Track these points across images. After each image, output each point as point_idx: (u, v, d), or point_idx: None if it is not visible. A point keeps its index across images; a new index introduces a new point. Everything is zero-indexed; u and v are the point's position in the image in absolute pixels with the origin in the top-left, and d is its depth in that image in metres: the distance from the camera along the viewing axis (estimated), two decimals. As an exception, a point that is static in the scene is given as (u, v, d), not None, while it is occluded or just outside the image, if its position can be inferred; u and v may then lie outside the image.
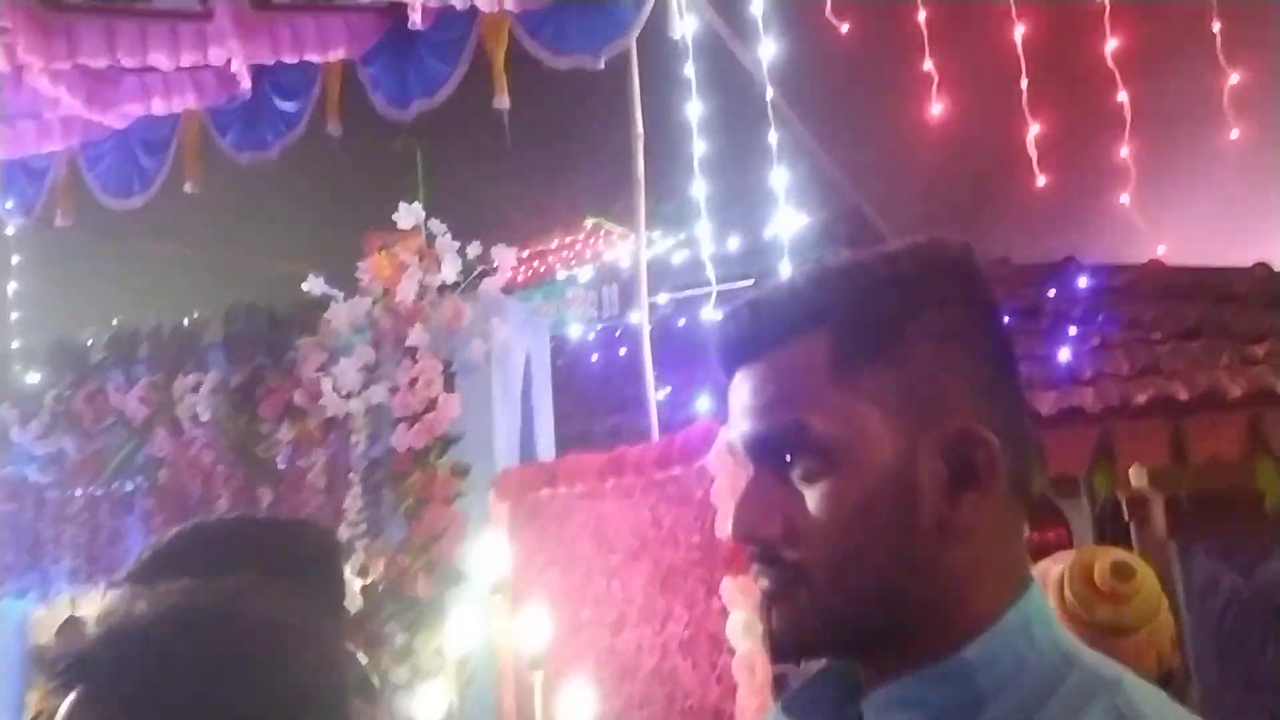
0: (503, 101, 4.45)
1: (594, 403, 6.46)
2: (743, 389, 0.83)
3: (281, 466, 4.66)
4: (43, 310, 5.96)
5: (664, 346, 8.46)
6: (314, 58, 4.56)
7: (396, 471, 4.27)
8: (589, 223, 13.47)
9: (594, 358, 8.06)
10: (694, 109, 4.15)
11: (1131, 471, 4.51)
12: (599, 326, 9.69)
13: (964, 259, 0.84)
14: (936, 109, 3.74)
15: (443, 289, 4.43)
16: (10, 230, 5.85)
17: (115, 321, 5.15)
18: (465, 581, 4.00)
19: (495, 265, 4.50)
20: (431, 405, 4.31)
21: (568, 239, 13.24)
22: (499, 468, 4.29)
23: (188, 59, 4.27)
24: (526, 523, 4.08)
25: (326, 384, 4.47)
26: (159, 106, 4.90)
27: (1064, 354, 4.87)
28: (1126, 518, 4.91)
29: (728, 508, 3.26)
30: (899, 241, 0.89)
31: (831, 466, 0.78)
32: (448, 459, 4.28)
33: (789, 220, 4.05)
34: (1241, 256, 4.73)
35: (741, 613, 3.15)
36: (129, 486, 5.04)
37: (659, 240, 12.08)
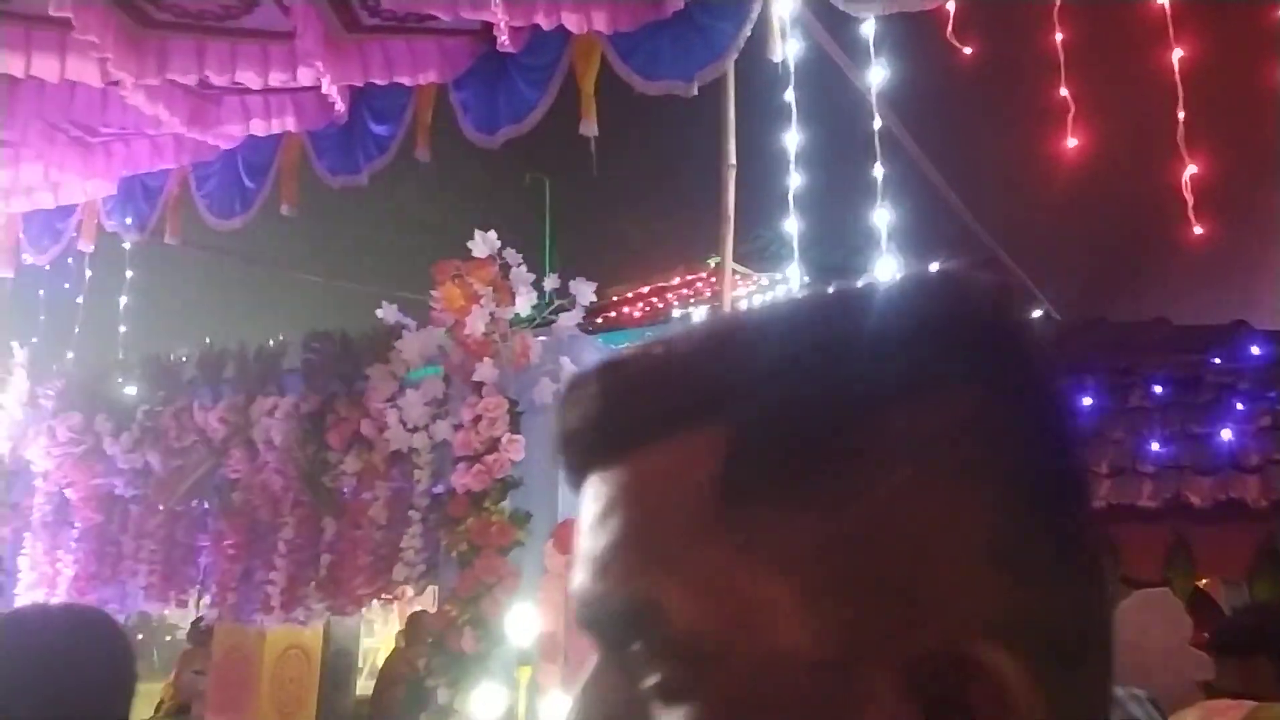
0: (590, 129, 4.21)
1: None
2: (583, 512, 0.50)
3: (346, 497, 4.51)
4: (150, 325, 6.10)
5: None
6: (405, 80, 4.45)
7: (451, 515, 4.02)
8: (712, 261, 13.17)
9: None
10: (792, 138, 3.77)
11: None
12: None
13: (997, 310, 0.46)
14: (1072, 142, 3.23)
15: (516, 322, 4.21)
16: (127, 245, 6.03)
17: (207, 340, 5.17)
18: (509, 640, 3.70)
19: (573, 299, 4.24)
20: (494, 446, 4.05)
21: (689, 276, 12.98)
22: (561, 518, 3.99)
23: (277, 78, 4.23)
24: (583, 581, 3.73)
25: (393, 416, 4.29)
26: (258, 127, 4.91)
27: (1226, 434, 4.16)
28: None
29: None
30: (886, 277, 0.47)
31: (698, 683, 0.42)
32: (506, 505, 4.01)
33: (890, 265, 3.60)
34: None
35: None
36: (205, 506, 5.01)
37: (763, 279, 11.66)
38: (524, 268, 4.15)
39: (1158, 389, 4.84)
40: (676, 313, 11.00)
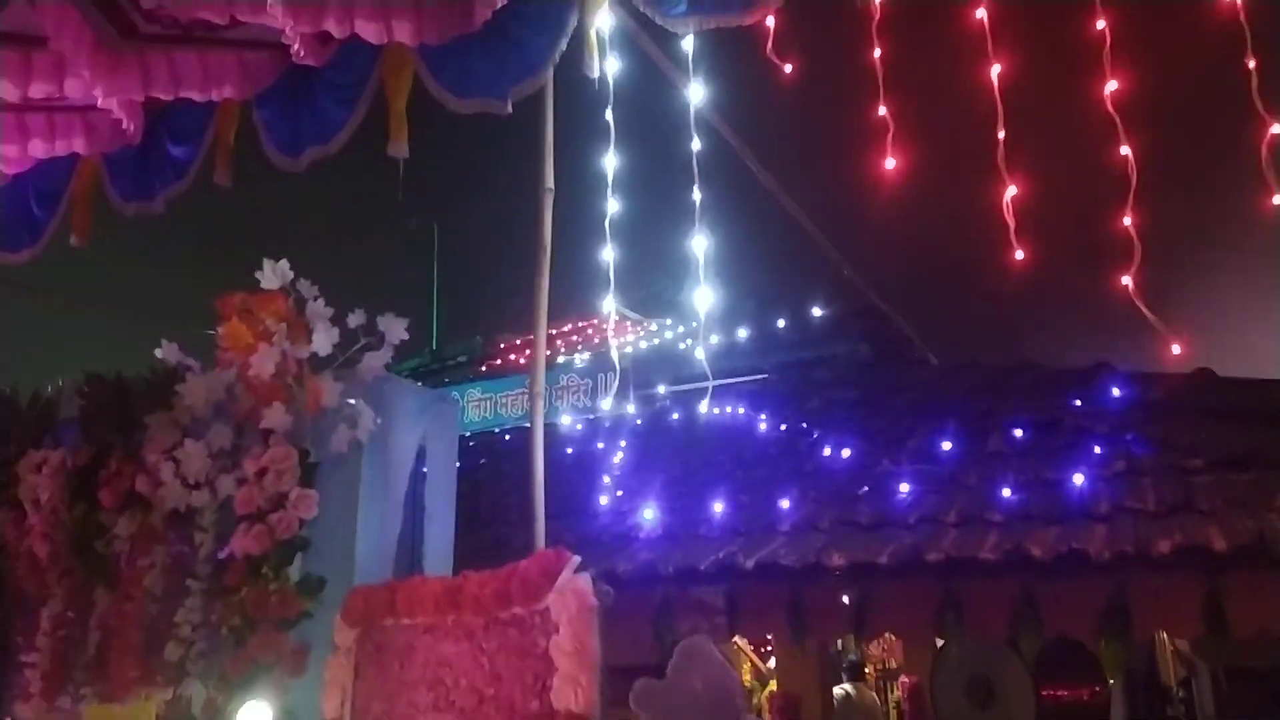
0: (400, 150, 3.82)
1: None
2: None
3: (121, 565, 3.94)
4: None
5: (651, 440, 7.67)
6: (195, 95, 4.00)
7: (228, 584, 3.50)
8: (604, 308, 12.86)
9: (568, 451, 7.27)
10: (610, 161, 3.45)
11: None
12: (590, 417, 8.94)
13: None
14: (891, 163, 3.00)
15: (314, 362, 3.75)
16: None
17: (-19, 387, 4.55)
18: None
19: (380, 337, 3.80)
20: (280, 502, 3.56)
21: (580, 324, 12.64)
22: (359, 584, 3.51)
23: (39, 90, 3.75)
24: (374, 658, 3.25)
25: (170, 470, 3.77)
26: (39, 149, 4.39)
27: (1078, 479, 3.93)
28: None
29: (571, 669, 2.41)
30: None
31: None
32: (292, 571, 3.51)
33: (706, 296, 3.29)
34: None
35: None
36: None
37: (667, 328, 11.40)
38: (321, 301, 3.71)
39: (1017, 433, 4.64)
40: (561, 359, 10.62)
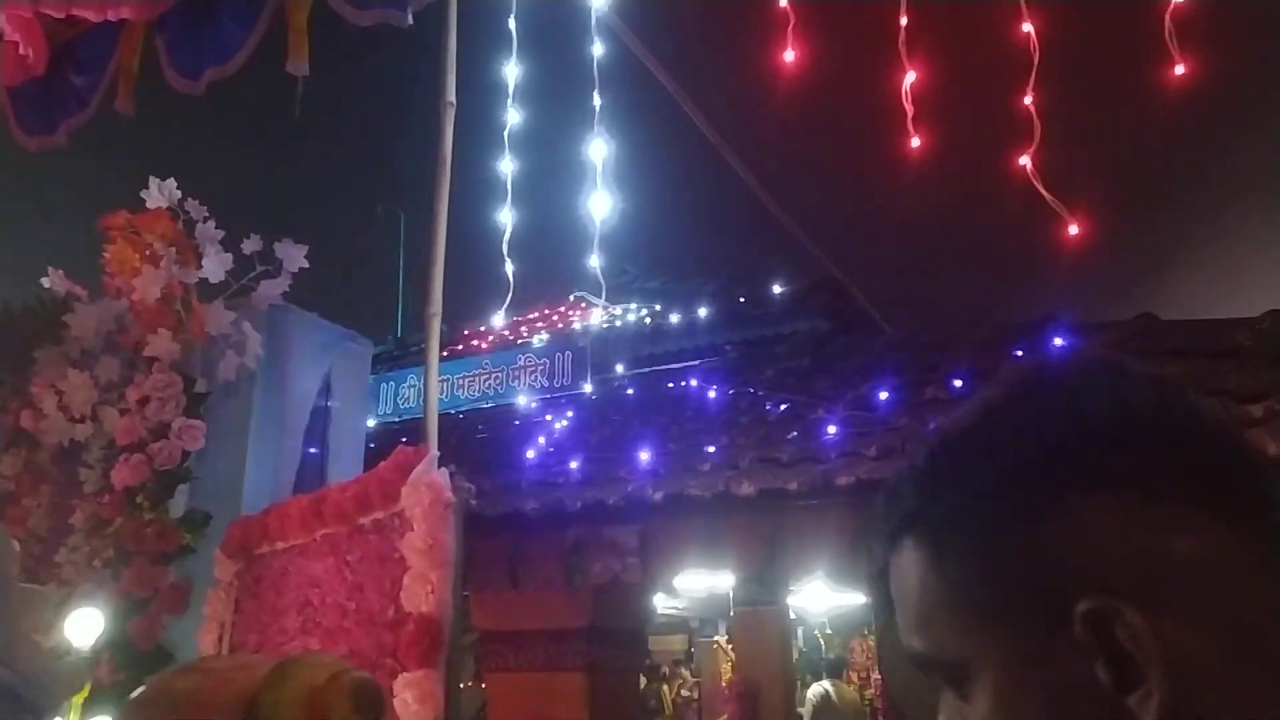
0: (300, 69, 3.63)
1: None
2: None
3: (6, 501, 3.73)
4: None
5: (603, 412, 7.48)
6: (90, 15, 3.82)
7: (102, 516, 3.30)
8: (573, 297, 12.70)
9: (515, 423, 7.06)
10: (511, 70, 3.28)
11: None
12: (546, 397, 8.75)
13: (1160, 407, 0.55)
14: (790, 55, 2.83)
15: (201, 290, 3.56)
16: None
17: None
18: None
19: (280, 265, 3.61)
20: (163, 432, 3.37)
21: (548, 311, 12.46)
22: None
23: (-81, 3, 3.55)
24: (253, 589, 3.06)
25: (51, 402, 3.58)
26: (-68, 78, 4.18)
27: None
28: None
29: (422, 567, 2.22)
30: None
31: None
32: (174, 503, 3.31)
33: (603, 202, 3.12)
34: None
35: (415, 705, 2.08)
36: None
37: (630, 311, 11.23)
38: (212, 223, 3.53)
39: (956, 382, 4.47)
40: (520, 340, 10.43)
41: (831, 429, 3.83)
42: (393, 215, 13.36)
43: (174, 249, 3.50)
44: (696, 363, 8.48)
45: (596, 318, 11.02)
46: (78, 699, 2.92)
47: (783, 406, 4.69)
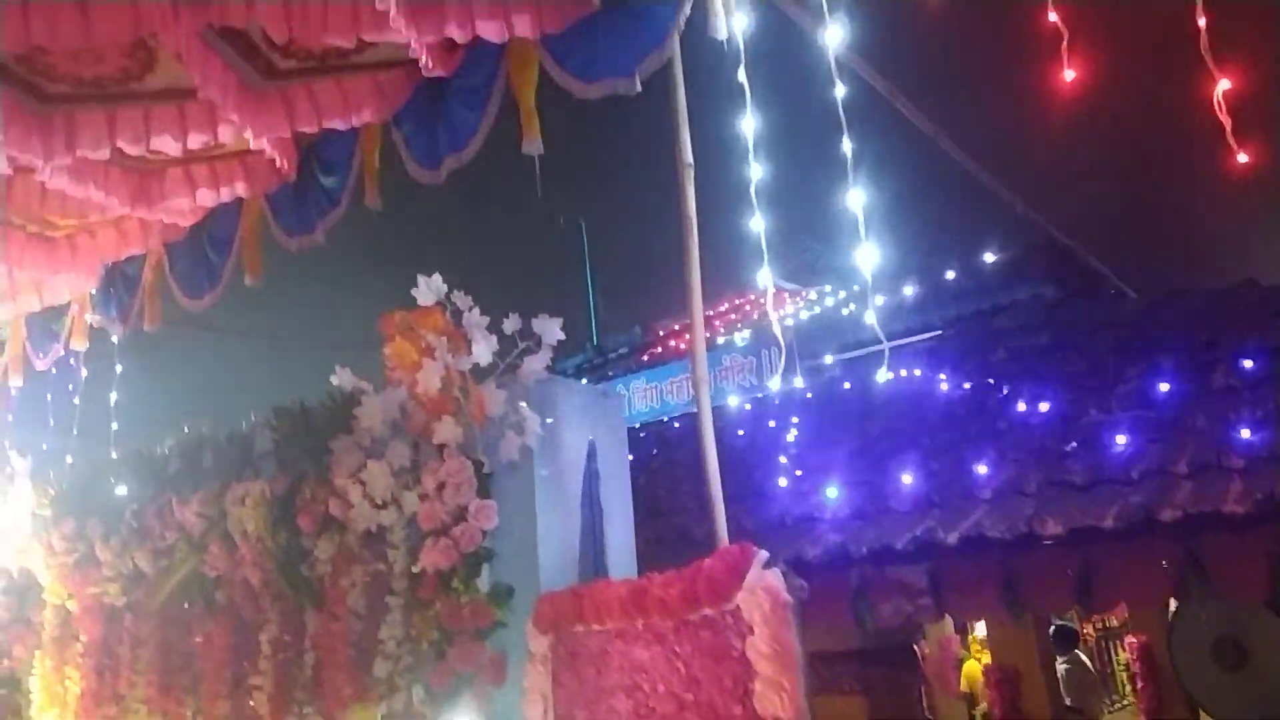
0: (534, 147, 3.75)
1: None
2: None
3: (325, 586, 4.09)
4: (143, 416, 5.87)
5: (825, 414, 7.35)
6: (338, 124, 4.08)
7: (421, 598, 3.55)
8: (758, 281, 12.57)
9: (740, 434, 7.07)
10: (748, 124, 3.23)
11: None
12: (759, 396, 8.71)
13: None
14: (1070, 75, 2.61)
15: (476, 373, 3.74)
16: (115, 339, 5.83)
17: (185, 429, 4.86)
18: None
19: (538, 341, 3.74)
20: (461, 515, 3.58)
21: (737, 300, 12.40)
22: (545, 590, 3.47)
23: (196, 140, 3.90)
24: (569, 664, 3.20)
25: (357, 492, 3.87)
26: (207, 198, 4.62)
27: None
28: None
29: (773, 673, 2.24)
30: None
31: None
32: (481, 581, 3.52)
33: (871, 254, 3.02)
34: None
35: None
36: (192, 607, 4.65)
37: (828, 295, 10.97)
38: (477, 311, 3.69)
39: (1247, 363, 4.06)
40: (721, 339, 10.43)
41: (1121, 439, 3.57)
42: (574, 225, 13.70)
43: (446, 339, 3.69)
44: (906, 342, 8.18)
45: (791, 306, 10.88)
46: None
47: (1042, 406, 4.43)
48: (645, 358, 11.78)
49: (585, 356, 12.48)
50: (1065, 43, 2.48)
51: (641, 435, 8.41)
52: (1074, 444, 3.64)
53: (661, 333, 12.38)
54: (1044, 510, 3.15)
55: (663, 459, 7.19)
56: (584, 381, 10.22)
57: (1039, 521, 3.14)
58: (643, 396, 10.22)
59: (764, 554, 2.42)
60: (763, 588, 2.26)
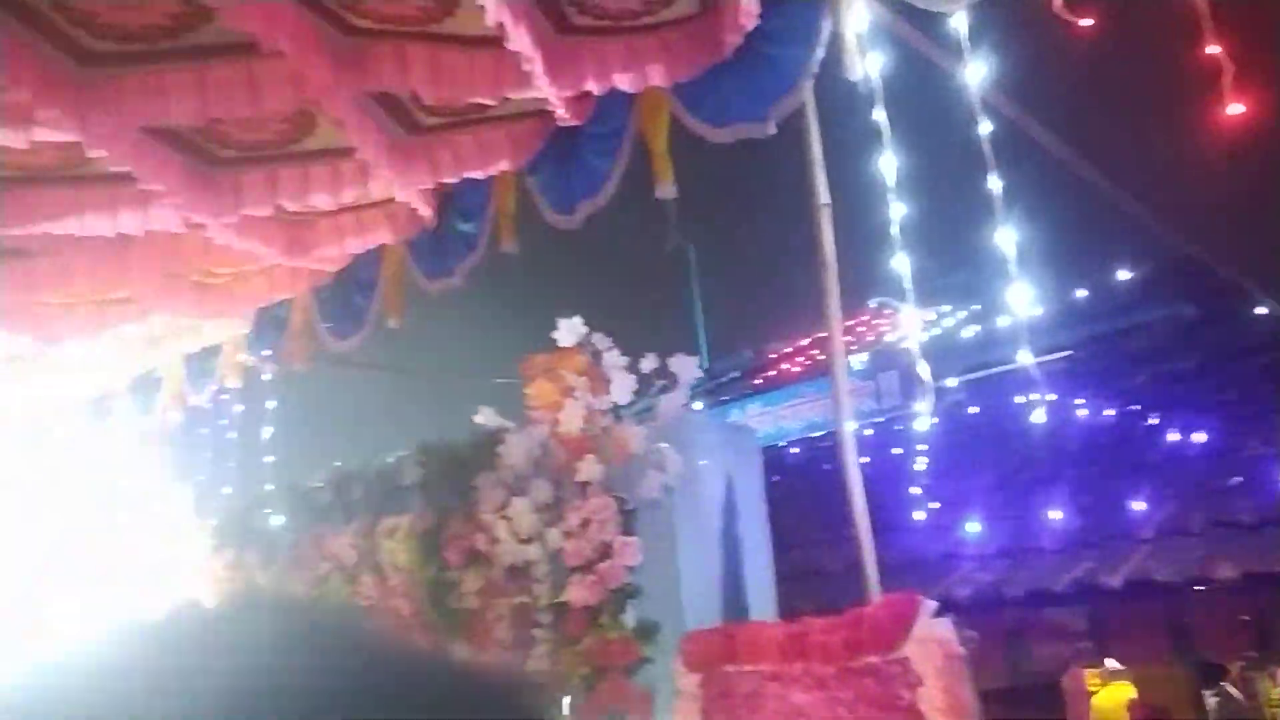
0: (667, 190, 3.83)
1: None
2: None
3: (472, 618, 4.24)
4: (296, 450, 6.21)
5: (954, 440, 7.19)
6: (476, 174, 4.26)
7: (569, 634, 3.65)
8: (873, 303, 12.39)
9: (864, 461, 6.98)
10: (888, 162, 3.24)
11: None
12: (879, 420, 8.57)
13: None
14: (1236, 109, 2.52)
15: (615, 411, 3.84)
16: (267, 376, 6.19)
17: (337, 464, 5.13)
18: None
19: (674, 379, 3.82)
20: (606, 551, 3.67)
21: (849, 322, 12.23)
22: (689, 627, 3.52)
23: (350, 194, 4.15)
24: (720, 704, 3.23)
25: (503, 527, 4.01)
26: (354, 245, 4.88)
27: None
28: None
29: (941, 724, 2.23)
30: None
31: None
32: (627, 617, 3.59)
33: (1023, 292, 2.97)
34: None
35: None
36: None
37: (947, 315, 10.72)
38: (615, 351, 3.80)
39: None
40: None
41: (1289, 474, 3.39)
42: (681, 248, 13.79)
43: (585, 379, 3.81)
44: (1038, 362, 7.91)
45: (909, 325, 10.65)
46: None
47: (1197, 436, 4.24)
48: (758, 381, 11.73)
49: (697, 381, 12.53)
50: (1226, 75, 2.40)
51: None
52: (1238, 479, 3.47)
53: (773, 355, 12.31)
54: (1214, 552, 3.02)
55: (784, 487, 7.17)
56: (699, 406, 10.26)
57: (1210, 564, 3.01)
58: (757, 421, 10.17)
59: (932, 604, 2.41)
60: (935, 641, 2.25)
